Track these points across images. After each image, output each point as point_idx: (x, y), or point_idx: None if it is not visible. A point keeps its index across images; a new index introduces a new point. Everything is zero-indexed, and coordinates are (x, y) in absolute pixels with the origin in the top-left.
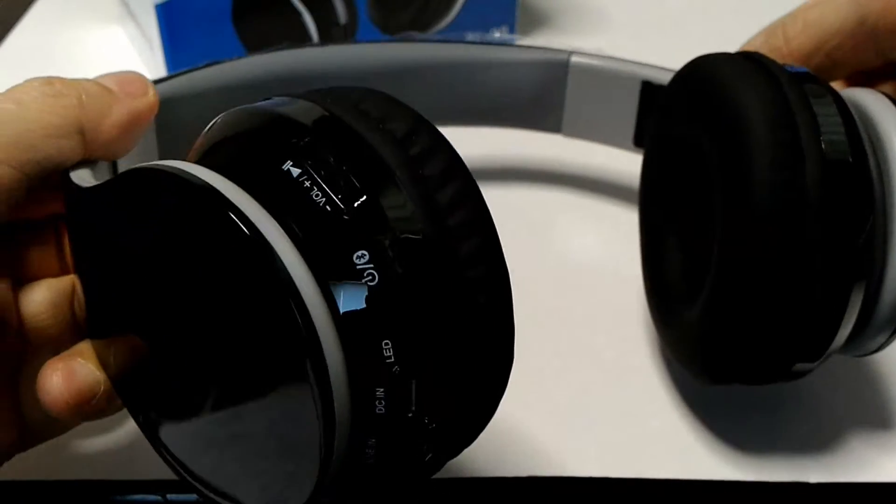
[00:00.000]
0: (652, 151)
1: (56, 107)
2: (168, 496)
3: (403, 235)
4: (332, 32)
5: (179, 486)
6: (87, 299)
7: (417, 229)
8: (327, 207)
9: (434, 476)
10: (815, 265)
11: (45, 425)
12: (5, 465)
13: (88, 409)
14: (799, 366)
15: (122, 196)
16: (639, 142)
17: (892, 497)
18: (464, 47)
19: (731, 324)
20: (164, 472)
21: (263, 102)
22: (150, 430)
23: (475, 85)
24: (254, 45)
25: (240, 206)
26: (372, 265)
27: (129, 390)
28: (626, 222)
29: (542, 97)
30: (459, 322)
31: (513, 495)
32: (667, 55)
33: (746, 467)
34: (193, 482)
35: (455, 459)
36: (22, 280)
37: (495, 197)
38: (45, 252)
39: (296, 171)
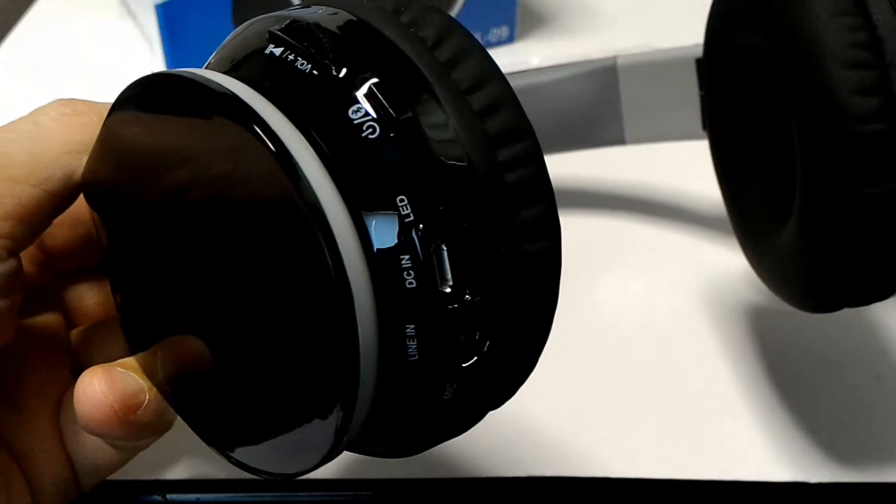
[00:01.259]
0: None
1: (76, 125)
2: (168, 496)
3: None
4: None
5: (179, 485)
6: (119, 300)
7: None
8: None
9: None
10: None
11: (93, 457)
12: None
13: (136, 420)
14: None
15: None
16: (707, 125)
17: (892, 497)
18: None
19: (840, 243)
20: (164, 472)
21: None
22: (210, 435)
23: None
24: None
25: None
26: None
27: (181, 397)
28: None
29: (597, 110)
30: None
31: (513, 495)
32: None
33: (746, 467)
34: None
35: (453, 460)
36: (74, 313)
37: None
38: (98, 287)
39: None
